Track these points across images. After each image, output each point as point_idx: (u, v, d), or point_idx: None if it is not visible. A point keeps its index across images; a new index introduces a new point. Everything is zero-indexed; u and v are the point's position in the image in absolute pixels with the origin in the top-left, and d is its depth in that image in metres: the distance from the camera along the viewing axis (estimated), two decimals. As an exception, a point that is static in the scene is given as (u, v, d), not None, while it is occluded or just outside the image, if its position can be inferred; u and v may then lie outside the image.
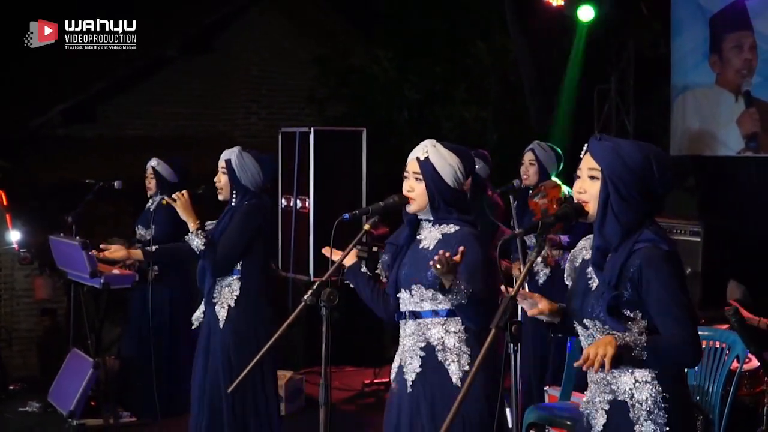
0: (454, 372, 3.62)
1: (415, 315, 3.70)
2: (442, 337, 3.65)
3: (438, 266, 3.32)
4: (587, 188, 2.96)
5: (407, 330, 3.73)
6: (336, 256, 3.75)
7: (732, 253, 7.51)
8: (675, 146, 8.37)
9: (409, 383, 3.71)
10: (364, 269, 3.81)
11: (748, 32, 7.70)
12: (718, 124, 8.03)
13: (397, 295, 3.74)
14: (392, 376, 3.84)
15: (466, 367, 3.62)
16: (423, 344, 3.68)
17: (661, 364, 2.85)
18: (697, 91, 8.19)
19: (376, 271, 3.88)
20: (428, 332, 3.67)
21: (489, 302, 3.50)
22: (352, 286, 3.86)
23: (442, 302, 3.64)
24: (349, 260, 3.84)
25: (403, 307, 3.74)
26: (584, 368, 2.74)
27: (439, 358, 3.64)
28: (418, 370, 3.68)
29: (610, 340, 2.74)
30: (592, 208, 2.94)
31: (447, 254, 3.33)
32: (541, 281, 5.98)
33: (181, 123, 10.17)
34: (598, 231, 2.93)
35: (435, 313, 3.66)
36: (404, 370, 3.73)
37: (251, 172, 4.98)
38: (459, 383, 3.60)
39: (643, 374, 2.91)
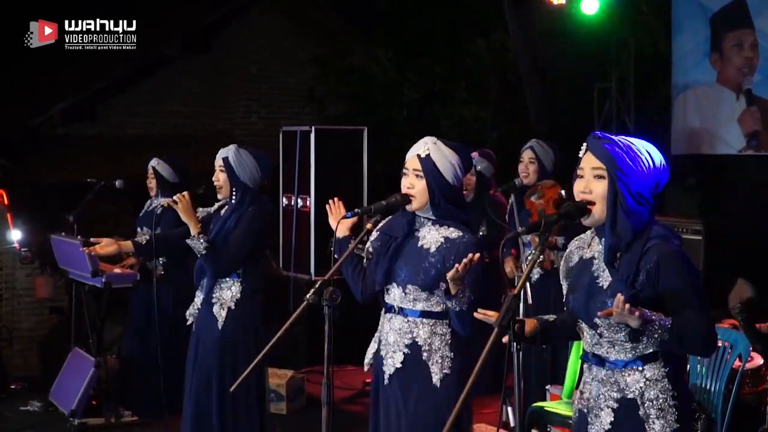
0: (436, 373, 3.65)
1: (404, 312, 3.70)
2: (429, 338, 3.67)
3: (460, 270, 3.35)
4: (593, 188, 2.94)
5: (394, 325, 3.74)
6: (339, 208, 3.84)
7: (733, 252, 7.49)
8: (676, 145, 8.35)
9: (387, 376, 3.74)
10: (352, 245, 3.82)
11: (749, 30, 7.69)
12: (719, 123, 8.01)
13: (387, 287, 3.74)
14: (366, 359, 3.86)
15: (447, 371, 3.65)
16: (409, 341, 3.69)
17: (677, 347, 2.85)
18: (697, 89, 8.17)
19: (361, 254, 3.89)
20: (416, 330, 3.69)
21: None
22: (336, 256, 3.87)
23: (435, 305, 3.65)
24: (341, 232, 3.86)
25: (391, 301, 3.75)
26: (613, 307, 2.71)
27: (423, 358, 3.66)
28: (399, 365, 3.70)
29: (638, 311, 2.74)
30: (599, 207, 2.93)
31: (476, 257, 3.37)
32: (534, 279, 5.98)
33: (181, 122, 10.17)
34: (610, 230, 2.92)
35: (426, 314, 3.67)
36: (383, 361, 3.75)
37: (249, 168, 4.98)
38: (438, 384, 3.64)
39: (653, 373, 2.91)
